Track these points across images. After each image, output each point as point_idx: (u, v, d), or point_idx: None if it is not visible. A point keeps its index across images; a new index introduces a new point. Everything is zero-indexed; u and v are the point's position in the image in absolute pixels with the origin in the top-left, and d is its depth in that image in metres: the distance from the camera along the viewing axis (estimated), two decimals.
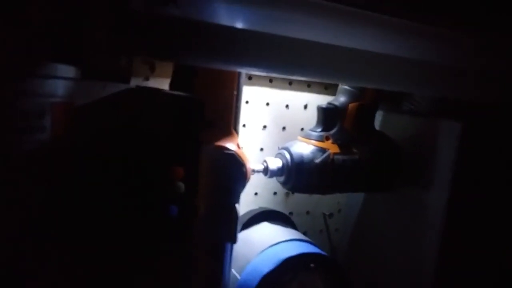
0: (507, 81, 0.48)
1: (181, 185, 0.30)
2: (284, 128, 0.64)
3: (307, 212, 0.70)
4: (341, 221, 0.73)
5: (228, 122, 0.43)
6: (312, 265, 0.44)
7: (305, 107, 0.65)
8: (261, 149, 0.63)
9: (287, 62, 0.38)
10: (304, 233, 0.69)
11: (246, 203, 0.62)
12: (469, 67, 0.44)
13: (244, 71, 0.44)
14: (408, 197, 0.59)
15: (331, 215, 0.71)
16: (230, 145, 0.43)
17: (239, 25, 0.35)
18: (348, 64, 0.41)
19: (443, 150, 0.54)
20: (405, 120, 0.61)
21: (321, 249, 0.50)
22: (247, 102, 0.60)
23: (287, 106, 0.64)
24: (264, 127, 0.63)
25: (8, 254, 0.29)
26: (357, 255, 0.69)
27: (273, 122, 0.63)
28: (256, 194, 0.63)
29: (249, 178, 0.46)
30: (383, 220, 0.64)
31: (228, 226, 0.43)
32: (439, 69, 0.44)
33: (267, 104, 0.62)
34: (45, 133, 0.32)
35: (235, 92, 0.44)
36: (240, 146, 0.45)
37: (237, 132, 0.45)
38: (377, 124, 0.61)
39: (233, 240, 0.43)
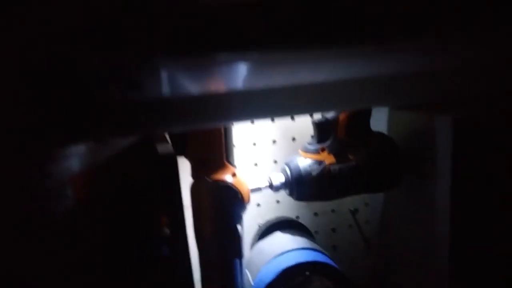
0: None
1: (166, 230, 0.39)
2: (294, 138, 0.70)
3: (332, 210, 0.75)
4: (370, 214, 0.77)
5: (220, 158, 0.51)
6: (307, 273, 0.50)
7: (311, 115, 0.70)
8: (275, 162, 0.69)
9: (252, 112, 0.45)
10: (333, 230, 0.75)
11: (270, 210, 0.70)
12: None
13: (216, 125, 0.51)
14: (417, 188, 0.61)
15: (356, 210, 0.75)
16: (225, 177, 0.50)
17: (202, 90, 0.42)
18: (312, 97, 0.46)
19: (441, 142, 0.56)
20: (407, 116, 0.63)
21: (327, 252, 0.56)
22: (252, 122, 0.67)
23: (292, 118, 0.69)
24: (274, 141, 0.69)
25: None
26: (385, 244, 0.73)
27: (282, 136, 0.69)
28: (278, 201, 0.71)
29: (248, 201, 0.53)
30: (400, 211, 0.67)
31: (233, 245, 0.51)
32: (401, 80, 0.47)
33: (272, 120, 0.68)
34: (69, 200, 0.42)
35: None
36: (236, 174, 0.52)
37: (232, 164, 0.52)
38: (383, 122, 0.64)
39: (239, 256, 0.51)
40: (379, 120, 0.70)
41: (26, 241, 0.37)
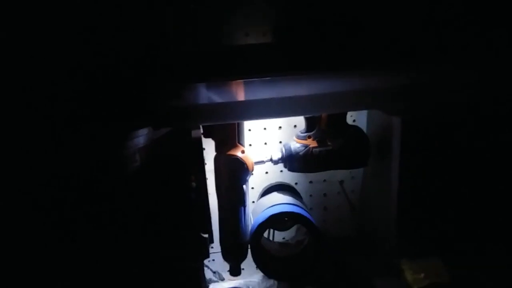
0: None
1: (194, 184, 0.66)
2: (295, 126, 0.94)
3: (324, 180, 0.99)
4: (354, 185, 1.00)
5: (233, 140, 0.76)
6: (286, 219, 0.75)
7: None
8: (280, 142, 0.94)
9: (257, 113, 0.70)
10: (324, 195, 1.00)
11: (275, 177, 0.96)
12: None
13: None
14: (381, 166, 0.84)
15: (342, 181, 0.99)
16: (236, 153, 0.76)
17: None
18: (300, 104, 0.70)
19: (395, 135, 0.78)
20: (378, 115, 0.85)
21: (306, 208, 0.81)
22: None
23: None
24: (280, 127, 0.93)
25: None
26: (365, 207, 0.97)
27: (286, 123, 0.93)
28: (281, 171, 0.96)
29: (253, 168, 0.78)
30: (372, 182, 0.91)
31: (239, 197, 0.77)
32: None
33: None
34: (138, 162, 0.70)
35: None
36: (244, 151, 0.77)
37: (242, 144, 0.78)
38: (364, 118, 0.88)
39: (244, 205, 0.77)
40: (362, 115, 0.93)
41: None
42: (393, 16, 0.73)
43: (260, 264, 0.79)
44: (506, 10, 0.71)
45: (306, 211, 0.78)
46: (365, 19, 0.73)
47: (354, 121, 0.94)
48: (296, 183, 0.97)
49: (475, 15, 0.71)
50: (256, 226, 0.76)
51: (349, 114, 0.91)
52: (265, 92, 0.69)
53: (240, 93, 0.70)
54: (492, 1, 0.71)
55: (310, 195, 0.99)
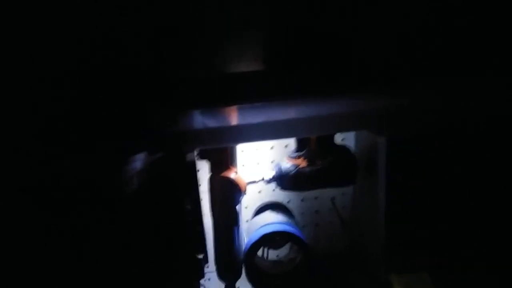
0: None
1: (188, 207, 0.68)
2: (286, 146, 0.97)
3: (316, 197, 1.02)
4: (345, 201, 1.03)
5: (226, 163, 0.79)
6: (277, 238, 0.78)
7: None
8: (272, 161, 0.97)
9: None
10: (316, 212, 1.03)
11: (268, 195, 0.98)
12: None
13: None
14: (369, 183, 0.87)
15: (333, 198, 1.02)
16: (229, 174, 0.79)
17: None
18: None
19: (380, 154, 0.81)
20: (365, 134, 0.88)
21: (298, 226, 0.84)
22: None
23: None
24: (272, 147, 0.97)
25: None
26: (356, 222, 1.00)
27: (278, 143, 0.96)
28: (273, 190, 0.98)
29: (245, 189, 0.81)
30: (362, 198, 0.94)
31: (232, 217, 0.80)
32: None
33: None
34: (135, 186, 0.73)
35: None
36: (237, 173, 0.80)
37: (235, 166, 0.81)
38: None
39: (237, 224, 0.80)
40: (351, 134, 0.96)
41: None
42: (376, 41, 0.77)
43: (253, 282, 0.81)
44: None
45: (297, 229, 0.80)
46: (349, 45, 0.77)
47: (343, 139, 0.97)
48: (288, 201, 1.00)
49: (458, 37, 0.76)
50: (249, 245, 0.78)
51: (338, 134, 0.95)
52: (257, 116, 0.73)
53: (233, 118, 0.73)
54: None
55: (302, 213, 1.02)
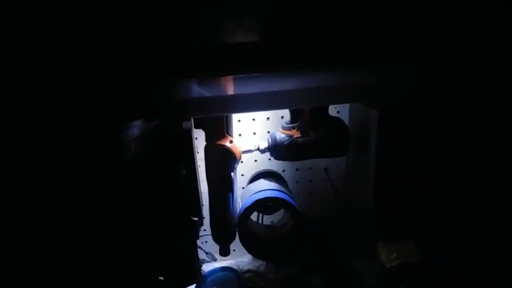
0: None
1: (183, 171, 0.72)
2: (282, 117, 0.99)
3: (310, 167, 1.05)
4: (338, 172, 1.07)
5: (222, 131, 0.82)
6: (270, 203, 0.82)
7: None
8: (268, 132, 1.00)
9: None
10: (310, 181, 1.06)
11: (263, 165, 1.02)
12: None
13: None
14: (360, 155, 0.90)
15: (326, 168, 1.05)
16: (225, 143, 0.82)
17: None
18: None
19: (372, 126, 0.84)
20: (359, 107, 0.91)
21: (291, 194, 0.88)
22: None
23: None
24: (268, 118, 0.99)
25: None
26: (347, 192, 1.04)
27: (274, 114, 0.99)
28: (269, 159, 1.02)
29: (240, 157, 0.85)
30: (354, 170, 0.97)
31: (227, 184, 0.83)
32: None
33: None
34: (132, 151, 0.76)
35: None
36: (233, 141, 0.84)
37: (230, 135, 0.84)
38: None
39: (231, 191, 0.84)
40: (345, 106, 0.99)
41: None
42: (371, 14, 0.78)
43: (247, 245, 0.86)
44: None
45: (289, 196, 0.84)
46: (343, 18, 0.78)
47: (338, 112, 1.00)
48: (283, 170, 1.04)
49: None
50: (242, 210, 0.83)
51: (333, 106, 0.97)
52: (252, 87, 0.75)
53: (228, 88, 0.76)
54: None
55: (297, 182, 1.06)
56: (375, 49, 0.78)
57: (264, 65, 0.76)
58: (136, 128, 0.76)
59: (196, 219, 0.78)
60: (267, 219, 1.04)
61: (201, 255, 1.06)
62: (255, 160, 1.02)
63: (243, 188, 1.00)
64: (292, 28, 0.78)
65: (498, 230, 0.86)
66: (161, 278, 0.85)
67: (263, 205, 0.82)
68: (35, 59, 0.65)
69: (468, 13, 0.73)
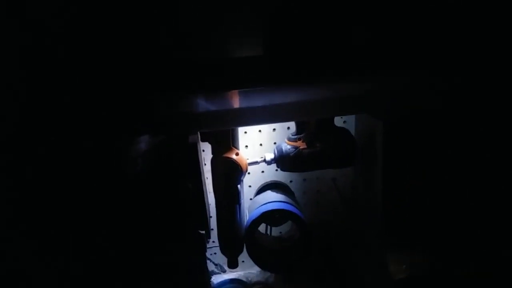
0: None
1: (190, 185, 0.73)
2: (288, 127, 1.00)
3: (317, 178, 1.05)
4: (346, 182, 1.06)
5: (228, 144, 0.83)
6: (277, 215, 0.82)
7: None
8: (274, 143, 1.00)
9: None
10: (317, 191, 1.06)
11: (270, 175, 1.02)
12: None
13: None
14: (368, 165, 0.90)
15: (334, 179, 1.05)
16: (231, 155, 0.83)
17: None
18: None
19: (377, 138, 0.84)
20: (365, 118, 0.91)
21: (297, 205, 0.88)
22: None
23: None
24: (274, 129, 1.00)
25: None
26: (354, 201, 1.03)
27: (280, 125, 1.00)
28: (276, 170, 1.02)
29: (246, 169, 0.85)
30: (360, 180, 0.97)
31: (233, 196, 0.84)
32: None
33: None
34: (139, 165, 0.77)
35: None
36: (239, 153, 0.84)
37: (236, 147, 0.84)
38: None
39: (238, 203, 0.84)
40: (351, 117, 0.99)
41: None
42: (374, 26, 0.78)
43: (254, 257, 0.86)
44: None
45: (296, 208, 0.84)
46: (347, 31, 0.79)
47: (344, 122, 1.00)
48: (291, 181, 1.04)
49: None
50: (249, 222, 0.83)
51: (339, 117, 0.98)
52: (257, 100, 0.76)
53: (234, 102, 0.77)
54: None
55: (304, 192, 1.06)
56: (379, 59, 0.79)
57: (267, 79, 0.77)
58: (143, 143, 0.77)
59: (203, 232, 0.78)
60: (276, 230, 1.04)
61: (210, 266, 1.06)
62: (262, 171, 1.02)
63: (250, 199, 1.01)
64: (296, 41, 0.79)
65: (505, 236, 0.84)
66: None
67: (270, 217, 0.83)
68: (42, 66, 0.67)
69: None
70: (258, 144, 1.00)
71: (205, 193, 0.83)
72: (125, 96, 0.74)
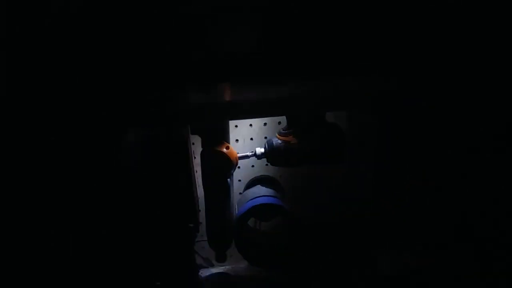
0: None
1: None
2: (279, 122, 1.00)
3: (307, 173, 1.05)
4: (337, 177, 1.06)
5: (218, 137, 0.83)
6: (266, 210, 0.82)
7: None
8: (265, 137, 1.00)
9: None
10: (307, 187, 1.06)
11: (261, 170, 1.02)
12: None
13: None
14: (359, 161, 0.90)
15: (324, 174, 1.05)
16: (221, 148, 0.82)
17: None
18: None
19: (370, 133, 0.84)
20: (357, 114, 0.91)
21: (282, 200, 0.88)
22: None
23: None
24: (265, 124, 0.99)
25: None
26: (345, 195, 1.04)
27: (271, 120, 0.99)
28: (266, 164, 1.02)
29: (236, 163, 0.85)
30: (352, 175, 0.97)
31: (223, 189, 0.84)
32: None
33: None
34: (129, 158, 0.76)
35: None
36: (229, 147, 0.84)
37: (226, 141, 0.84)
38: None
39: (228, 196, 0.84)
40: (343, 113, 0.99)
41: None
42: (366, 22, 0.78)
43: (243, 252, 0.86)
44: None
45: (284, 202, 0.84)
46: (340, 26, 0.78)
47: (336, 118, 1.00)
48: (280, 176, 1.04)
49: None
50: (237, 217, 0.83)
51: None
52: (247, 94, 0.75)
53: (225, 95, 0.76)
54: None
55: (294, 187, 1.06)
56: (371, 55, 0.78)
57: (260, 72, 0.77)
58: (132, 135, 0.77)
59: (192, 225, 0.78)
60: (266, 226, 1.03)
61: (199, 260, 1.06)
62: (252, 166, 1.02)
63: (240, 193, 1.00)
64: (289, 36, 0.78)
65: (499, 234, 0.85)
66: (158, 283, 0.85)
67: (259, 211, 0.82)
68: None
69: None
70: (249, 138, 1.00)
71: (194, 186, 0.82)
72: (116, 89, 0.72)
